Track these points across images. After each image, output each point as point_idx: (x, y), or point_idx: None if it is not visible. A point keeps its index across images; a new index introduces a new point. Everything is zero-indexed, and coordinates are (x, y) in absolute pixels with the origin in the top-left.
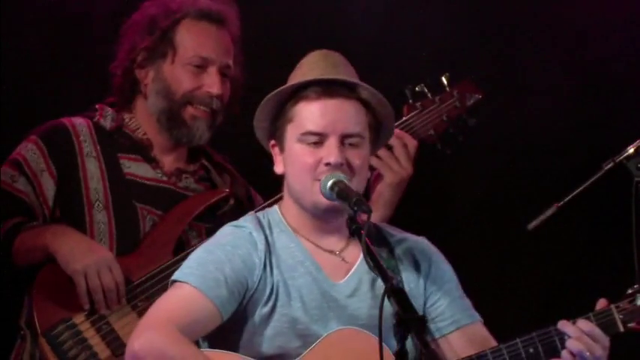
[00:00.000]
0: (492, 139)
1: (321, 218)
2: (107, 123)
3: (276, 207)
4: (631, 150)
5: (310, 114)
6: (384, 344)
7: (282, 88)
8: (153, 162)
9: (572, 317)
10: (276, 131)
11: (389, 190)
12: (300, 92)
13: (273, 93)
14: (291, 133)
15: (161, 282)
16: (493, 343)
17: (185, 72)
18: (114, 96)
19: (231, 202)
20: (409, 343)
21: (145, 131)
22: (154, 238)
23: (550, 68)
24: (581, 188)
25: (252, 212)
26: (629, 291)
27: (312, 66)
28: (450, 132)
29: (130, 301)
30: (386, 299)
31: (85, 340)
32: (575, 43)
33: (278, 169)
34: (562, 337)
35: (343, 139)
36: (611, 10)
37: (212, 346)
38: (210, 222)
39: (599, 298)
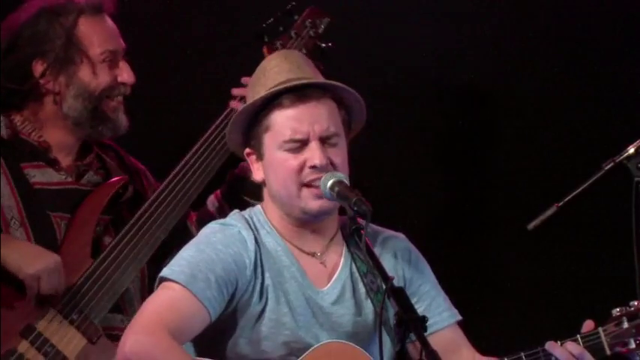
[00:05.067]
0: (492, 138)
1: (307, 222)
2: (3, 132)
3: (259, 207)
4: (631, 150)
5: (288, 121)
6: (368, 354)
7: (255, 99)
8: (55, 164)
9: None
10: (251, 140)
11: None
12: (272, 100)
13: (245, 106)
14: (270, 141)
15: (90, 290)
16: (468, 346)
17: (101, 70)
18: None
19: (131, 188)
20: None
21: (40, 134)
22: (68, 245)
23: (550, 68)
24: (581, 188)
25: (237, 211)
26: (615, 313)
27: (275, 70)
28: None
29: (67, 317)
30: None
31: None
32: (574, 42)
33: (257, 176)
34: (549, 358)
35: (323, 141)
36: (611, 8)
37: (197, 347)
38: (113, 213)
39: (598, 298)
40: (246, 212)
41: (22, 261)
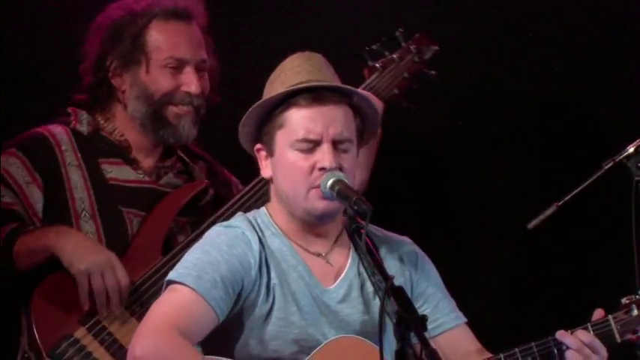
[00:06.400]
0: (492, 138)
1: (312, 223)
2: (84, 128)
3: (264, 209)
4: (631, 149)
5: (303, 121)
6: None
7: (273, 95)
8: (134, 163)
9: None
10: (263, 136)
11: (360, 153)
12: (289, 98)
13: (263, 100)
14: (282, 139)
15: (155, 284)
16: (477, 345)
17: (162, 74)
18: (84, 94)
19: (211, 192)
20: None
21: (122, 133)
22: (140, 240)
23: (550, 67)
24: (581, 188)
25: (241, 213)
26: (624, 301)
27: (296, 70)
28: (413, 88)
29: (129, 308)
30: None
31: (91, 354)
32: (574, 42)
33: (265, 173)
34: (560, 347)
35: (335, 144)
36: (611, 8)
37: (206, 349)
38: (193, 215)
39: (598, 297)
40: (250, 214)
41: (74, 255)
